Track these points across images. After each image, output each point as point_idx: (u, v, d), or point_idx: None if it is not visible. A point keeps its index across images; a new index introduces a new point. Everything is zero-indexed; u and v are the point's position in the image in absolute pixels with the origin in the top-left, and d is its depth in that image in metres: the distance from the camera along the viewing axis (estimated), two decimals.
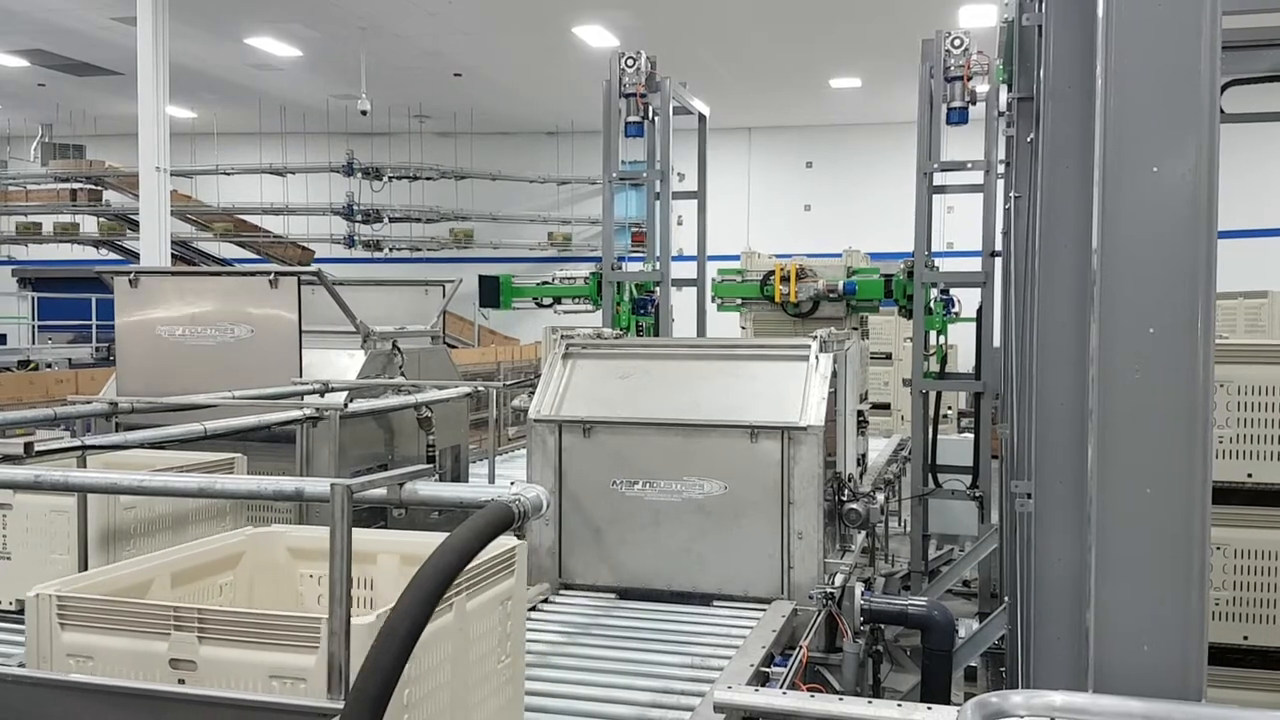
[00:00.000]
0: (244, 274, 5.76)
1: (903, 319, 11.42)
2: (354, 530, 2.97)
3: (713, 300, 9.75)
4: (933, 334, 8.38)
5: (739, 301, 9.66)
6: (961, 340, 9.86)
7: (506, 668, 2.77)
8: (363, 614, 2.30)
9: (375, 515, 5.41)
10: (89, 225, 23.96)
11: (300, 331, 5.51)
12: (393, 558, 2.99)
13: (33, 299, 21.23)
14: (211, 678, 2.28)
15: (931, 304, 8.19)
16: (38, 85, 20.96)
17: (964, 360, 11.26)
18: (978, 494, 8.00)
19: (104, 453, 4.06)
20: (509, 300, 10.15)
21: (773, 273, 9.21)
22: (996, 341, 7.73)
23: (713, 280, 9.75)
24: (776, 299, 9.16)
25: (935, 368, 8.38)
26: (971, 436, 8.45)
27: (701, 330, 9.72)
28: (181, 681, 2.28)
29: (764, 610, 3.98)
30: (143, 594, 2.55)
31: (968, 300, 8.56)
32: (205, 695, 2.22)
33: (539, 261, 22.18)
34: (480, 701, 2.62)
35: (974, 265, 8.27)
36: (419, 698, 2.43)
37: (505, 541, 2.91)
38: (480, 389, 6.78)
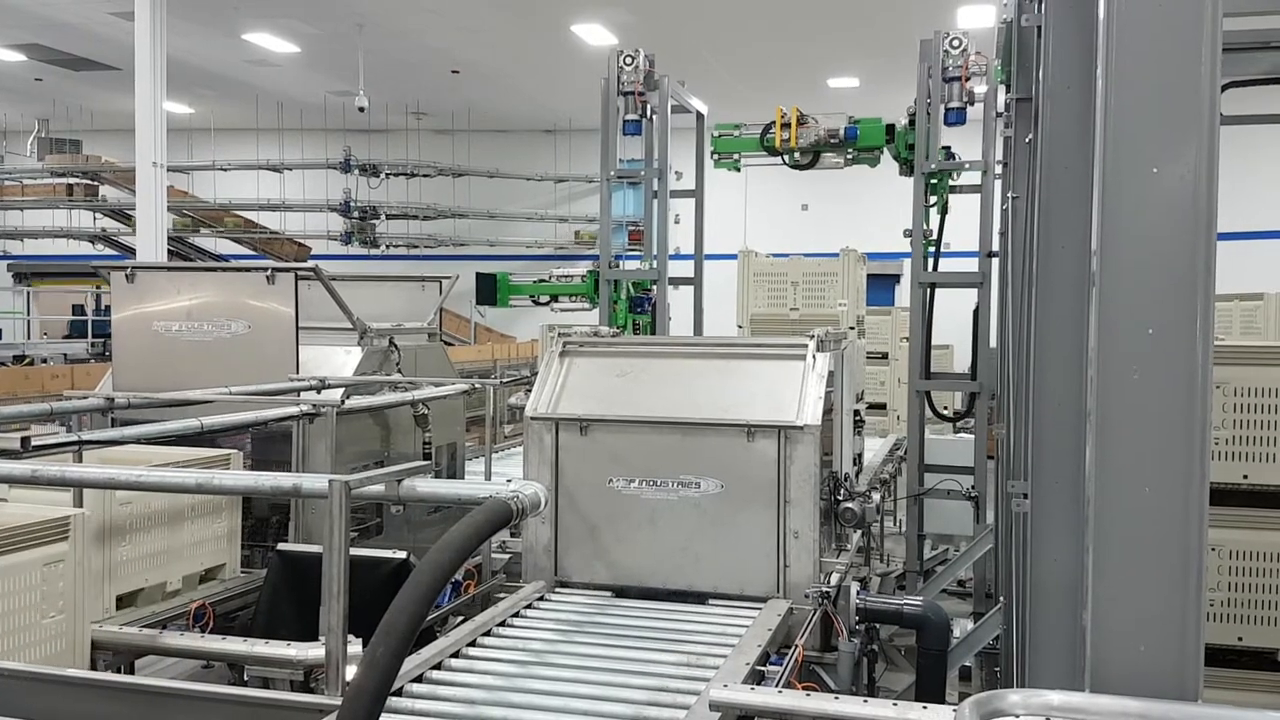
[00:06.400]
0: (241, 270, 5.76)
1: (899, 319, 11.44)
2: None
3: (711, 156, 9.37)
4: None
5: (737, 157, 9.26)
6: (957, 340, 9.84)
7: (58, 624, 3.06)
8: None
9: (370, 511, 5.41)
10: (84, 220, 23.91)
11: (297, 328, 5.51)
12: None
13: (28, 293, 21.21)
14: None
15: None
16: (35, 80, 20.93)
17: (960, 360, 11.27)
18: (973, 494, 8.01)
19: (100, 448, 4.07)
20: (506, 298, 10.12)
21: (773, 122, 8.91)
22: (993, 342, 7.73)
23: (711, 134, 9.37)
24: (777, 145, 8.81)
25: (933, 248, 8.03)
26: (965, 436, 8.43)
27: (699, 329, 9.70)
28: None
29: (760, 609, 3.98)
30: None
31: (966, 301, 8.54)
32: (206, 691, 2.24)
33: (536, 259, 22.16)
34: (16, 649, 2.94)
35: (970, 266, 8.27)
36: None
37: (60, 511, 3.19)
38: (477, 386, 6.78)
